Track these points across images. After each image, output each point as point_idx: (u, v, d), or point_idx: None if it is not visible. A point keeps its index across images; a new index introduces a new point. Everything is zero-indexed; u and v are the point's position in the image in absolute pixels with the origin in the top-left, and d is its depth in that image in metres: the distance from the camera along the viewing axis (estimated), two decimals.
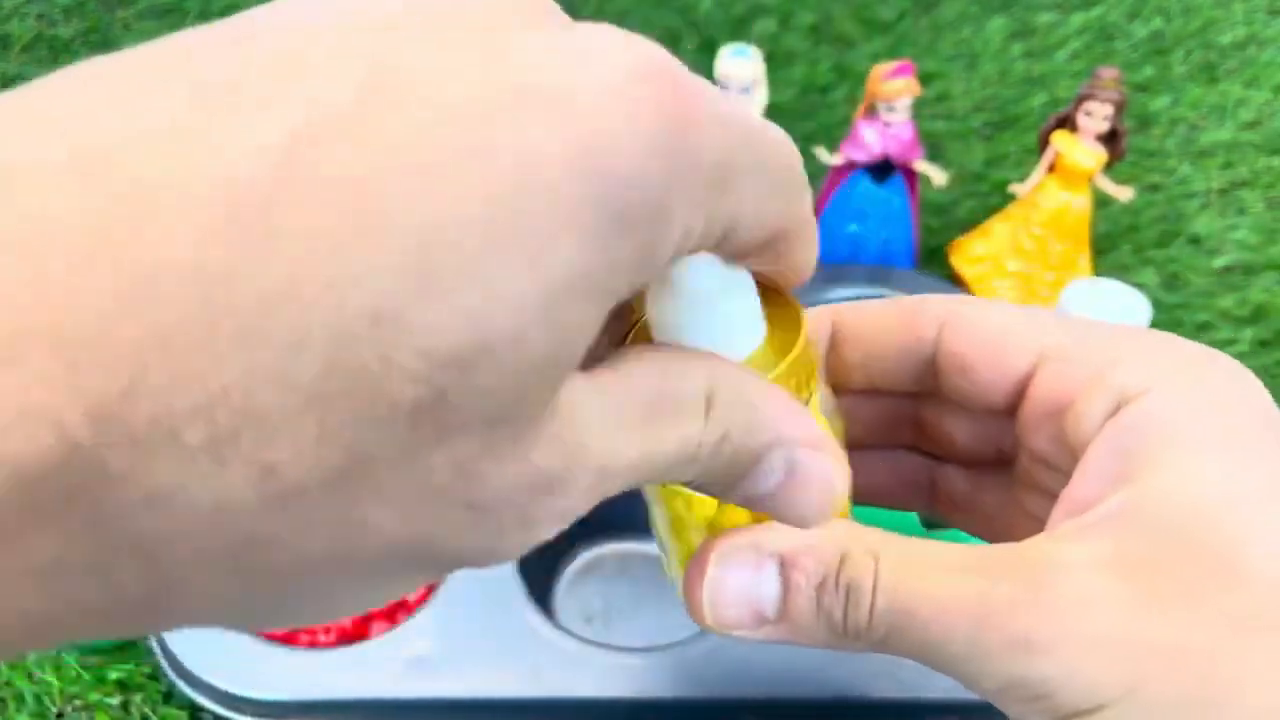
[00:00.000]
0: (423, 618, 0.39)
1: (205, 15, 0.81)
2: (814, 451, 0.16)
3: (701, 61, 0.78)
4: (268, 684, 0.37)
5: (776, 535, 0.19)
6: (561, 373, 0.13)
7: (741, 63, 0.53)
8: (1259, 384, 0.19)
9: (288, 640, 0.41)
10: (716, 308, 0.17)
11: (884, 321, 0.22)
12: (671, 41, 0.81)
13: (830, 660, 0.38)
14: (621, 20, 0.84)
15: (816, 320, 0.22)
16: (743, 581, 0.19)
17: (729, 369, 0.16)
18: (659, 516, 0.21)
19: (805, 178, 0.17)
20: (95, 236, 0.10)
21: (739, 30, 0.82)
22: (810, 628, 0.19)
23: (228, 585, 0.12)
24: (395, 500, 0.12)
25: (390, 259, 0.11)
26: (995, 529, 0.23)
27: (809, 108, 0.74)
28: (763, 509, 0.17)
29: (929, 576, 0.18)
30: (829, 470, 0.16)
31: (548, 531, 0.14)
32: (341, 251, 0.11)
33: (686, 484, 0.17)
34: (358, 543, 0.12)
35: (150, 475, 0.11)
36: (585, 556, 0.46)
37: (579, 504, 0.14)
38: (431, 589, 0.42)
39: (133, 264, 0.10)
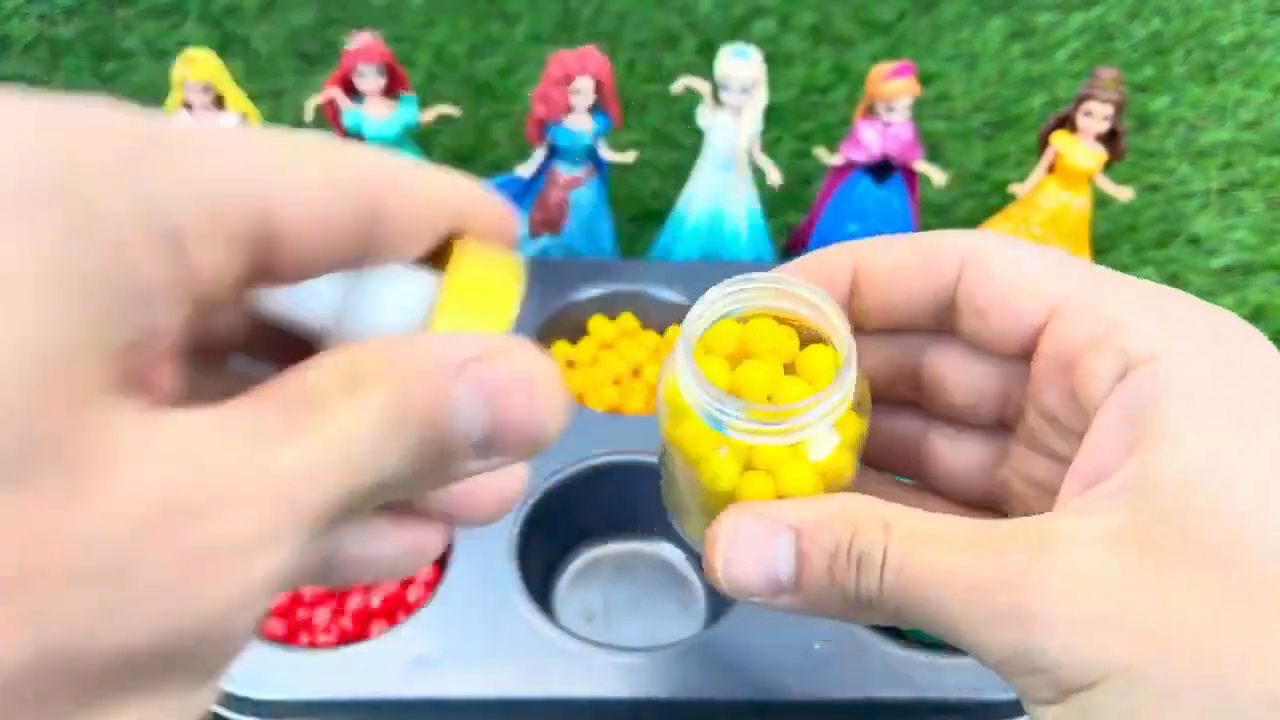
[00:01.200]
0: (423, 617, 0.39)
1: (205, 16, 0.81)
2: (500, 358, 0.14)
3: (701, 62, 0.78)
4: (268, 684, 0.37)
5: (791, 507, 0.19)
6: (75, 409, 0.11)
7: (741, 63, 0.53)
8: (1270, 347, 0.19)
9: (288, 640, 0.41)
10: (350, 307, 0.16)
11: (903, 259, 0.21)
12: (671, 42, 0.81)
13: (830, 660, 0.38)
14: (621, 21, 0.85)
15: (836, 259, 0.22)
16: (758, 551, 0.19)
17: (373, 343, 0.14)
18: (680, 479, 0.21)
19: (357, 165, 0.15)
20: None
21: (739, 31, 0.82)
22: (824, 597, 0.19)
23: None
24: None
25: None
26: (984, 499, 0.24)
27: (809, 108, 0.74)
28: (504, 449, 0.16)
29: (936, 549, 0.18)
30: (528, 367, 0.15)
31: (240, 579, 0.12)
32: None
33: (413, 473, 0.14)
34: None
35: None
36: (585, 556, 0.46)
37: (273, 538, 0.13)
38: (432, 589, 0.42)
39: None
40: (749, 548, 0.19)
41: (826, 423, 0.20)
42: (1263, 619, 0.16)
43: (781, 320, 0.21)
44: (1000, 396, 0.22)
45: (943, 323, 0.22)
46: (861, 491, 0.20)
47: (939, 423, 0.24)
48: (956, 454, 0.24)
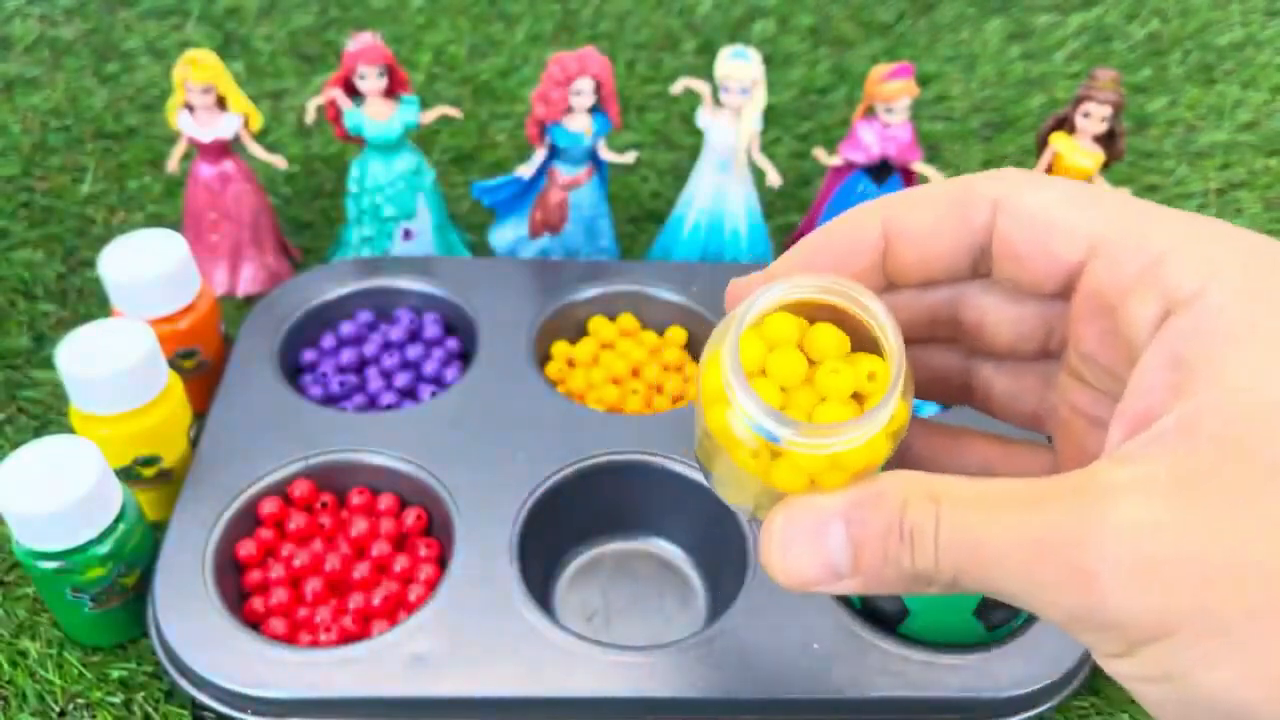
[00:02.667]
0: (424, 616, 0.40)
1: (207, 17, 0.81)
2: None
3: (701, 63, 0.78)
4: (269, 682, 0.38)
5: (838, 496, 0.19)
6: None
7: (741, 64, 0.53)
8: None
9: (290, 639, 0.41)
10: None
11: (935, 214, 0.21)
12: (671, 43, 0.81)
13: (830, 659, 0.39)
14: (621, 22, 0.85)
15: (866, 220, 0.22)
16: (813, 545, 0.19)
17: None
18: (709, 445, 0.21)
19: None
20: None
21: (738, 32, 0.82)
22: (883, 576, 0.19)
23: None
24: None
25: None
26: (1034, 423, 0.23)
27: (808, 109, 0.75)
28: None
29: (988, 516, 0.18)
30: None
31: None
32: None
33: None
34: None
35: None
36: (585, 555, 0.47)
37: None
38: (432, 588, 0.42)
39: None
40: (804, 543, 0.20)
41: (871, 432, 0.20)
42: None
43: (836, 317, 0.21)
44: (1043, 332, 0.22)
45: (979, 268, 0.22)
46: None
47: (981, 356, 0.24)
48: (1002, 383, 0.24)
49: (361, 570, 0.43)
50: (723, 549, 0.44)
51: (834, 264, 0.22)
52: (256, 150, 0.56)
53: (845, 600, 0.41)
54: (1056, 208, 0.20)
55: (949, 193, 0.21)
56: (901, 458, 0.23)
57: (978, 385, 0.24)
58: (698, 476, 0.45)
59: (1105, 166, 0.54)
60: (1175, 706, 0.17)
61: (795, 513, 0.20)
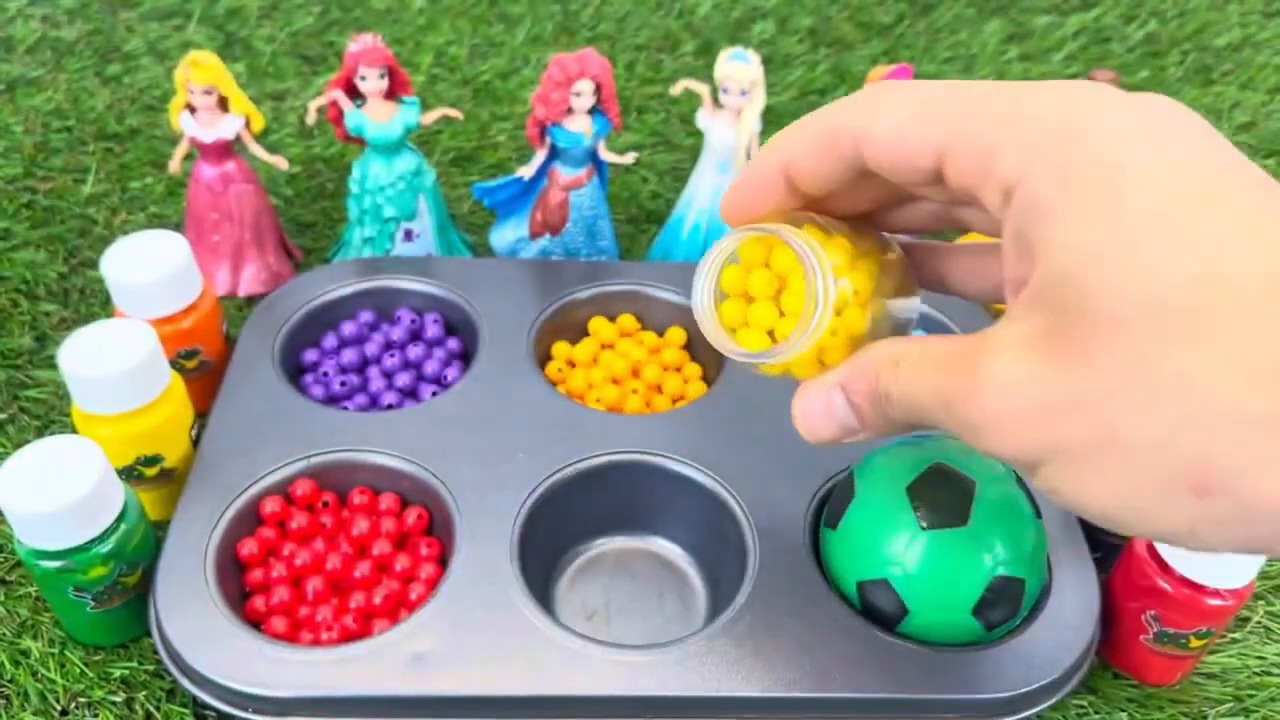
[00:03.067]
0: (425, 615, 0.40)
1: (208, 18, 0.81)
2: None
3: (700, 65, 0.78)
4: (271, 681, 0.38)
5: (834, 373, 0.26)
6: None
7: (740, 66, 0.53)
8: (1119, 108, 0.21)
9: (291, 637, 0.41)
10: None
11: (812, 152, 0.25)
12: (670, 45, 0.81)
13: (830, 659, 0.39)
14: (621, 24, 0.85)
15: (767, 167, 0.27)
16: (827, 414, 0.26)
17: None
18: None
19: None
20: None
21: (737, 33, 0.83)
22: (880, 427, 0.25)
23: None
24: None
25: None
26: (998, 297, 0.28)
27: (807, 110, 0.75)
28: None
29: (920, 376, 0.23)
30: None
31: None
32: None
33: None
34: None
35: None
36: (585, 555, 0.47)
37: None
38: (433, 587, 0.42)
39: None
40: (820, 415, 0.26)
41: (823, 324, 0.25)
42: (1140, 379, 0.19)
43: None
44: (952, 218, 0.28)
45: (877, 185, 0.27)
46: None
47: (944, 249, 0.30)
48: (962, 271, 0.30)
49: (362, 569, 0.44)
50: (723, 548, 0.45)
51: (752, 205, 0.27)
52: (258, 151, 0.56)
53: (845, 600, 0.41)
54: (906, 127, 0.23)
55: (821, 132, 0.25)
56: (939, 284, 0.30)
57: (946, 277, 0.30)
58: (698, 476, 0.45)
59: None
60: (1075, 512, 0.22)
61: (807, 390, 0.26)
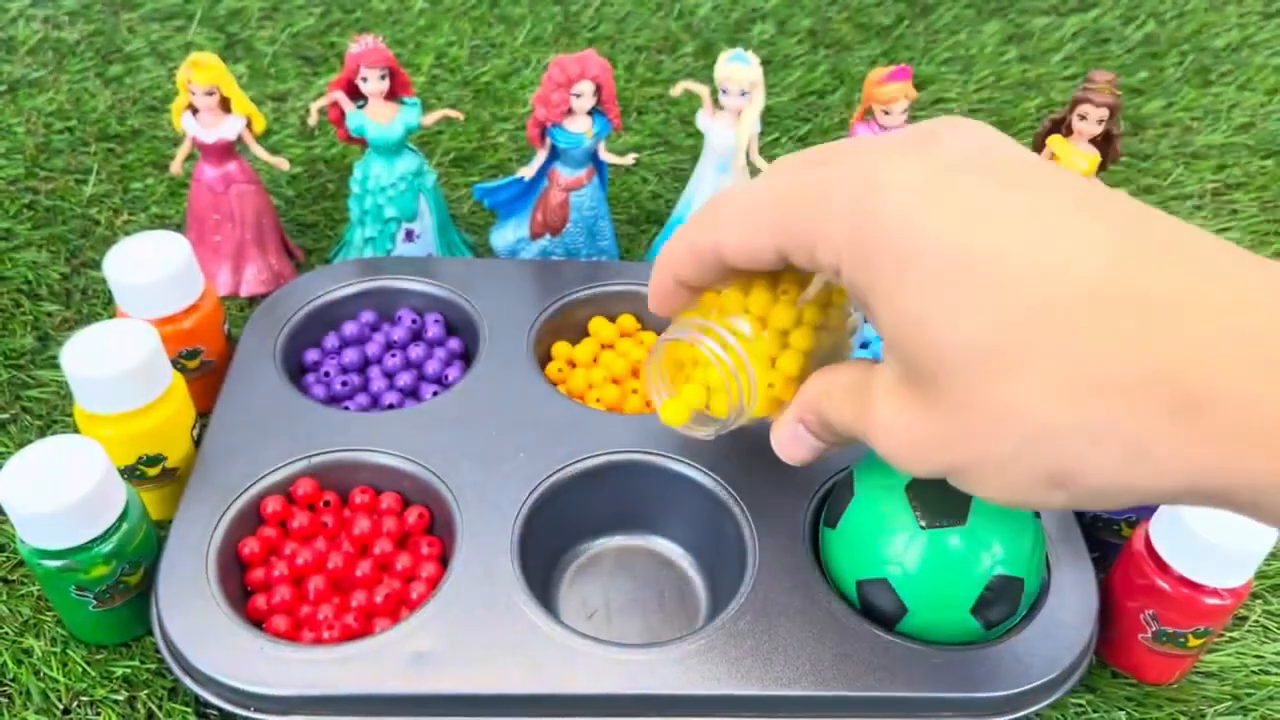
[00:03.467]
0: (425, 614, 0.40)
1: (209, 19, 0.81)
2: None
3: (700, 66, 0.78)
4: (272, 679, 0.38)
5: (790, 409, 0.30)
6: None
7: (740, 67, 0.54)
8: (908, 198, 0.24)
9: (292, 637, 0.41)
10: None
11: (688, 267, 0.30)
12: (670, 46, 0.81)
13: (829, 658, 0.39)
14: (621, 25, 0.85)
15: (663, 279, 0.32)
16: (796, 442, 0.31)
17: None
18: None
19: None
20: None
21: (737, 34, 0.83)
22: (846, 441, 0.30)
23: None
24: None
25: None
26: None
27: (806, 111, 0.75)
28: None
29: (844, 405, 0.28)
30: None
31: None
32: None
33: None
34: None
35: None
36: (586, 554, 0.47)
37: None
38: (434, 586, 0.42)
39: None
40: (791, 444, 0.31)
41: (750, 402, 0.33)
42: (966, 416, 0.23)
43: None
44: None
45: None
46: None
47: None
48: None
49: (364, 568, 0.44)
50: (723, 547, 0.45)
51: (668, 307, 0.33)
52: (259, 152, 0.57)
53: (844, 599, 0.41)
54: (746, 240, 0.28)
55: (689, 253, 0.30)
56: None
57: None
58: (698, 476, 0.45)
59: (1101, 168, 0.55)
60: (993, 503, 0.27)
61: (777, 425, 0.31)
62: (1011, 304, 0.22)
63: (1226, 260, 0.22)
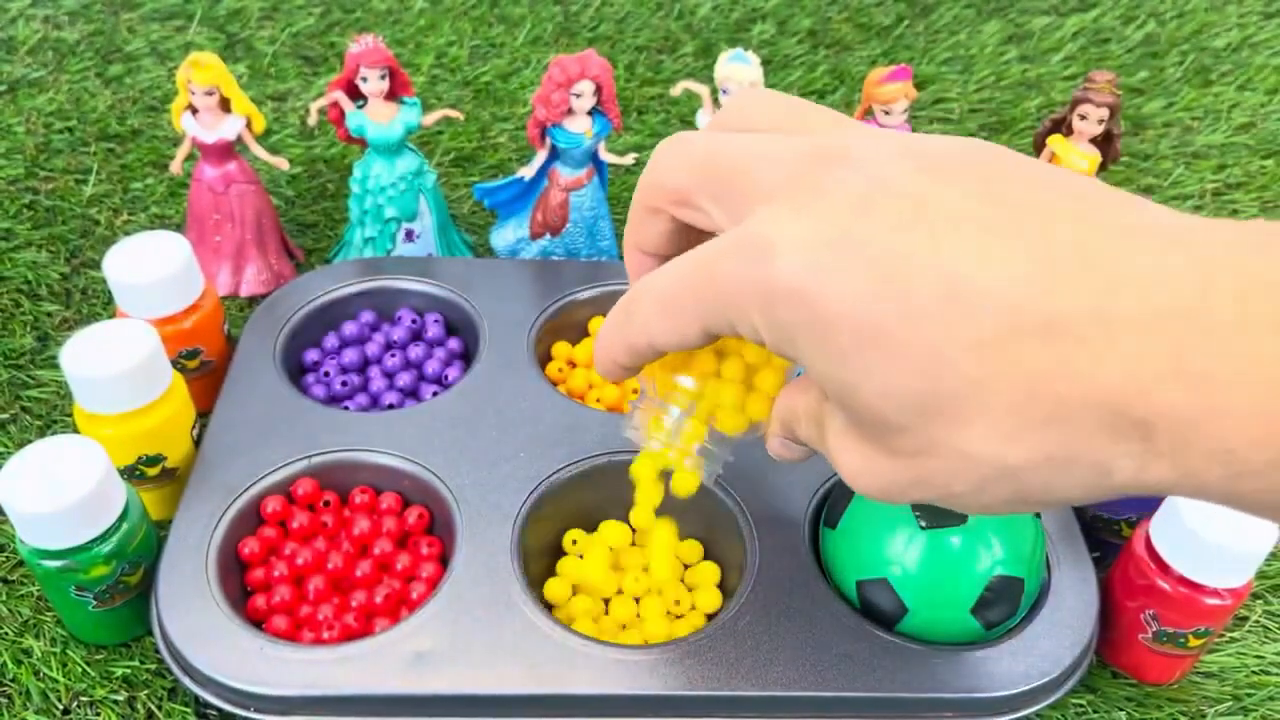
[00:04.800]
0: (426, 614, 0.40)
1: (209, 19, 0.81)
2: None
3: (700, 66, 0.78)
4: (272, 680, 0.38)
5: (771, 425, 0.31)
6: None
7: (740, 67, 0.54)
8: (802, 265, 0.23)
9: (292, 637, 0.41)
10: None
11: (629, 359, 0.29)
12: (670, 46, 0.81)
13: (830, 657, 0.39)
14: (621, 25, 0.85)
15: (612, 370, 0.31)
16: (781, 449, 0.31)
17: None
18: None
19: None
20: None
21: (737, 35, 0.83)
22: (817, 450, 0.29)
23: None
24: None
25: None
26: None
27: None
28: None
29: (812, 431, 0.28)
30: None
31: None
32: None
33: None
34: None
35: None
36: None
37: None
38: (434, 586, 0.42)
39: None
40: (781, 452, 0.31)
41: (723, 447, 0.35)
42: (940, 468, 0.23)
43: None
44: None
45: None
46: None
47: None
48: None
49: (364, 568, 0.44)
50: (723, 547, 0.45)
51: (617, 381, 0.31)
52: (259, 152, 0.57)
53: (845, 599, 0.41)
54: (675, 331, 0.27)
55: (627, 345, 0.29)
56: None
57: None
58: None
59: (1101, 168, 0.55)
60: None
61: (771, 441, 0.31)
62: (936, 353, 0.21)
63: (1141, 256, 0.21)
